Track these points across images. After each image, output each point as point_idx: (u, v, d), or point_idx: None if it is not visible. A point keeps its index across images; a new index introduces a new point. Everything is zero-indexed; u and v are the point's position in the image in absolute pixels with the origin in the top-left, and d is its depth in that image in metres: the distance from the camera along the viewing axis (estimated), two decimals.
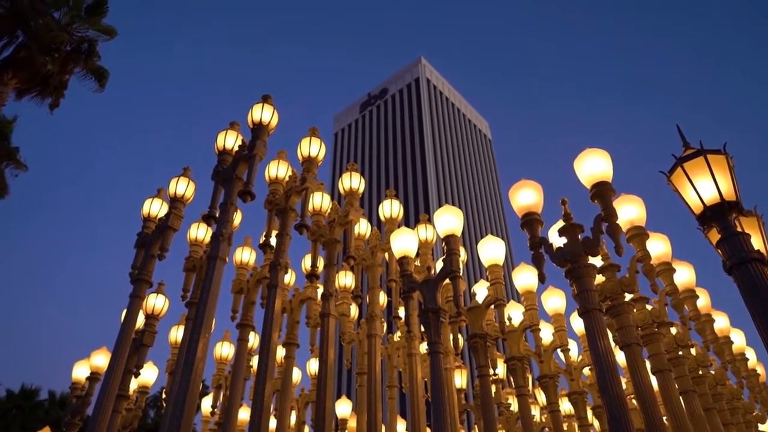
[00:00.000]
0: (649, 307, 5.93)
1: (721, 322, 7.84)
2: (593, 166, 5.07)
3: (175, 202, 7.61)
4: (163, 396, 9.92)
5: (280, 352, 8.20)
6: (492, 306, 6.53)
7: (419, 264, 7.71)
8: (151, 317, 7.88)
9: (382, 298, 8.45)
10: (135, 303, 7.19)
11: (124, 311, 7.21)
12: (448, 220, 6.41)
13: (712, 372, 7.35)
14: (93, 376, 8.27)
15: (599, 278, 5.23)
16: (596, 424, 8.64)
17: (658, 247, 6.37)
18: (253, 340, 8.48)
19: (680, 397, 5.64)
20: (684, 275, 6.79)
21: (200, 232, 8.07)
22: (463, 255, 7.48)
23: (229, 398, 7.18)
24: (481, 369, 6.29)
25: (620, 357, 6.43)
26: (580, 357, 7.74)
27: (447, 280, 6.17)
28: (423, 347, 7.57)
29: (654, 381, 5.59)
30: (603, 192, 4.88)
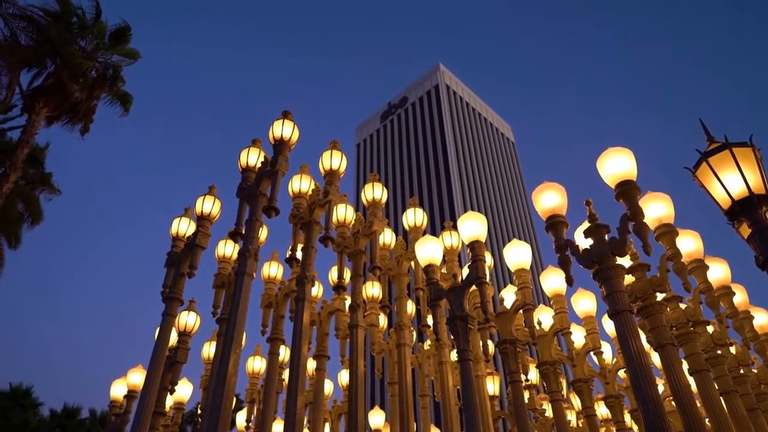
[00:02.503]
0: (683, 306, 5.79)
1: (761, 319, 7.57)
2: (617, 165, 4.99)
3: (201, 220, 7.75)
4: (199, 411, 10.06)
5: (311, 365, 8.24)
6: (521, 311, 6.47)
7: (445, 271, 7.68)
8: (183, 334, 8.02)
9: (410, 307, 8.43)
10: (167, 321, 7.32)
11: (157, 329, 7.35)
12: (472, 226, 6.38)
13: (755, 371, 7.10)
14: (130, 394, 8.43)
15: (629, 278, 5.14)
16: (635, 428, 8.43)
17: (688, 244, 6.21)
18: (284, 353, 8.55)
19: (721, 398, 5.47)
20: (718, 272, 6.59)
21: (228, 248, 8.21)
22: (489, 260, 7.43)
23: (262, 412, 7.26)
24: (513, 375, 6.22)
25: (656, 358, 6.29)
26: (615, 359, 7.58)
27: (474, 287, 6.13)
28: (454, 355, 7.52)
29: (692, 382, 5.45)
30: (628, 191, 4.80)
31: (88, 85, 17.42)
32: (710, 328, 6.04)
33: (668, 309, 5.54)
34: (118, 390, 8.89)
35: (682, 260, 5.53)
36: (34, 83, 17.46)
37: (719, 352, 5.95)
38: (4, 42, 16.59)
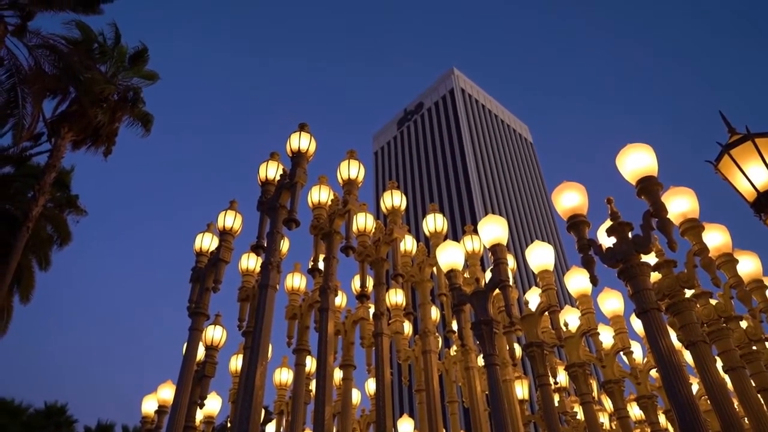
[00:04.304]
0: (713, 301, 5.65)
1: None
2: (637, 161, 4.91)
3: (224, 235, 7.85)
4: (228, 425, 10.13)
5: (338, 375, 8.25)
6: (546, 313, 6.38)
7: (468, 276, 7.63)
8: (210, 348, 8.10)
9: (435, 313, 8.39)
10: (194, 336, 7.41)
11: (185, 344, 7.44)
12: (493, 229, 6.34)
13: None
14: (161, 409, 8.55)
15: (655, 276, 5.04)
16: (670, 428, 8.24)
17: (716, 238, 6.05)
18: (310, 364, 8.58)
19: (758, 395, 5.31)
20: (748, 265, 6.40)
21: (251, 262, 8.29)
22: (511, 263, 7.37)
23: (291, 423, 7.29)
24: (541, 378, 6.14)
25: (688, 356, 6.14)
26: (645, 359, 7.43)
27: (497, 290, 6.09)
28: (480, 360, 7.46)
29: (728, 379, 5.31)
30: (649, 187, 4.71)
31: (110, 109, 17.86)
32: (743, 324, 5.88)
33: (698, 305, 5.41)
34: (149, 405, 9.02)
35: (710, 255, 5.40)
36: (58, 109, 17.99)
37: (754, 348, 5.77)
38: (29, 71, 17.11)
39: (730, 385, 5.34)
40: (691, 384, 5.31)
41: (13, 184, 19.21)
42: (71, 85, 17.29)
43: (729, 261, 6.04)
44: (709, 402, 5.10)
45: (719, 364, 5.35)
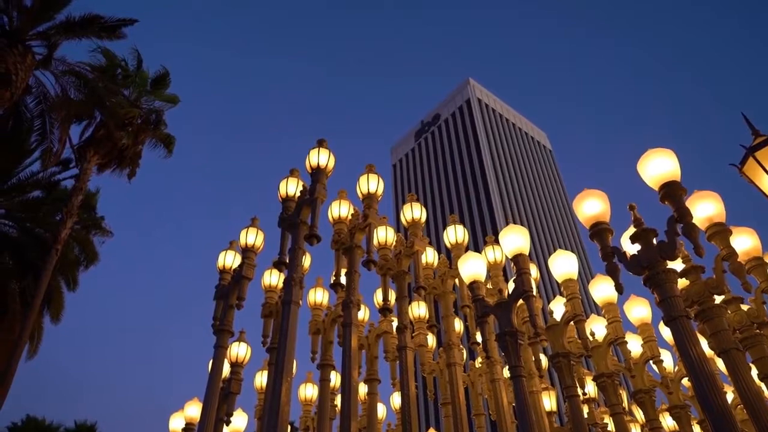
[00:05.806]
0: (745, 307, 5.51)
1: None
2: (659, 166, 4.84)
3: (246, 252, 7.93)
4: None
5: (363, 389, 8.21)
6: (572, 322, 6.29)
7: (491, 287, 7.57)
8: (235, 365, 8.15)
9: (458, 325, 8.33)
10: (219, 353, 7.47)
11: (210, 362, 7.50)
12: (514, 239, 6.30)
13: None
14: (188, 427, 8.60)
15: (683, 282, 4.94)
16: None
17: (744, 242, 5.90)
18: (335, 379, 8.56)
19: None
20: None
21: (273, 278, 8.35)
22: (534, 273, 7.29)
23: None
24: (569, 389, 6.03)
25: (721, 364, 5.98)
26: (676, 367, 7.25)
27: (521, 301, 6.03)
28: (506, 371, 7.37)
29: (764, 387, 5.15)
30: (673, 192, 4.64)
31: (134, 132, 18.30)
32: None
33: (729, 312, 5.28)
34: (176, 423, 9.08)
35: (739, 259, 5.27)
36: (84, 134, 18.49)
37: None
38: (56, 98, 17.63)
39: (766, 393, 5.18)
40: (726, 393, 5.17)
41: (42, 208, 19.72)
42: (97, 110, 17.77)
43: (759, 265, 5.87)
44: (745, 411, 4.95)
45: (754, 371, 5.20)
